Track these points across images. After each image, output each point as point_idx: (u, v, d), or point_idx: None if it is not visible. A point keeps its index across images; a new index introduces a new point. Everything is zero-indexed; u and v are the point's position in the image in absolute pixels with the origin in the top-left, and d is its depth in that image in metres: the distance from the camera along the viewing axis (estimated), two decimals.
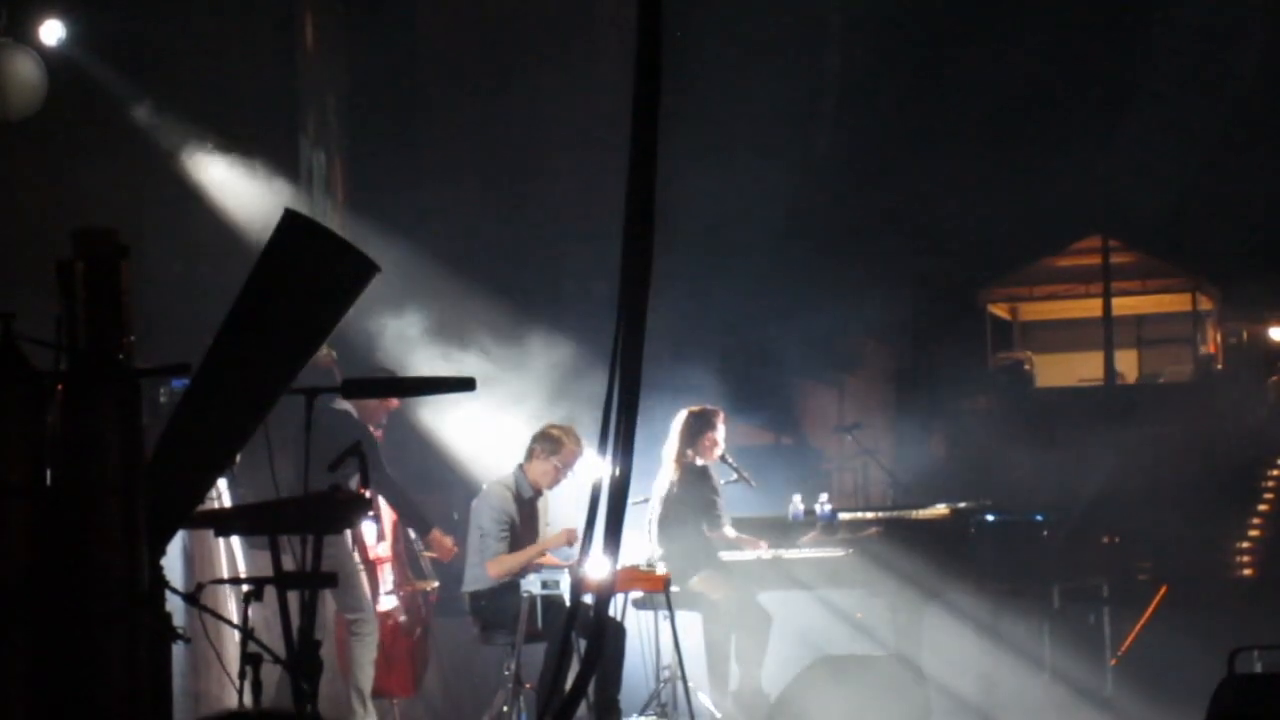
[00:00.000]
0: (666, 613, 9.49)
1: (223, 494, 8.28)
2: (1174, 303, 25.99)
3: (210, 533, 7.79)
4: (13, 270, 10.11)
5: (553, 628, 9.39)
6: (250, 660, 5.63)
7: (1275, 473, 20.02)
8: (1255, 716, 6.51)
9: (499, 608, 9.59)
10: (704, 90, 16.91)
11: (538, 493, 9.94)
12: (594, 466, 4.46)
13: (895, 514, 11.07)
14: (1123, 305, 23.99)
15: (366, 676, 9.80)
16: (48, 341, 4.50)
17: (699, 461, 10.35)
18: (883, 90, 20.69)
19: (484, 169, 16.45)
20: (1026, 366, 23.32)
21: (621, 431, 4.22)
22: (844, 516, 10.76)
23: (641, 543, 10.16)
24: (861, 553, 10.37)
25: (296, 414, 5.83)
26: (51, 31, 11.71)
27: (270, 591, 5.88)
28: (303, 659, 5.68)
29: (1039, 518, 11.77)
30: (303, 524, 5.80)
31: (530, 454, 9.94)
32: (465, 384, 6.06)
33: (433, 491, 11.75)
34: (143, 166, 12.17)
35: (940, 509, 10.93)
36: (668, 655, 9.57)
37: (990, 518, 10.97)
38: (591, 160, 15.66)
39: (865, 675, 9.50)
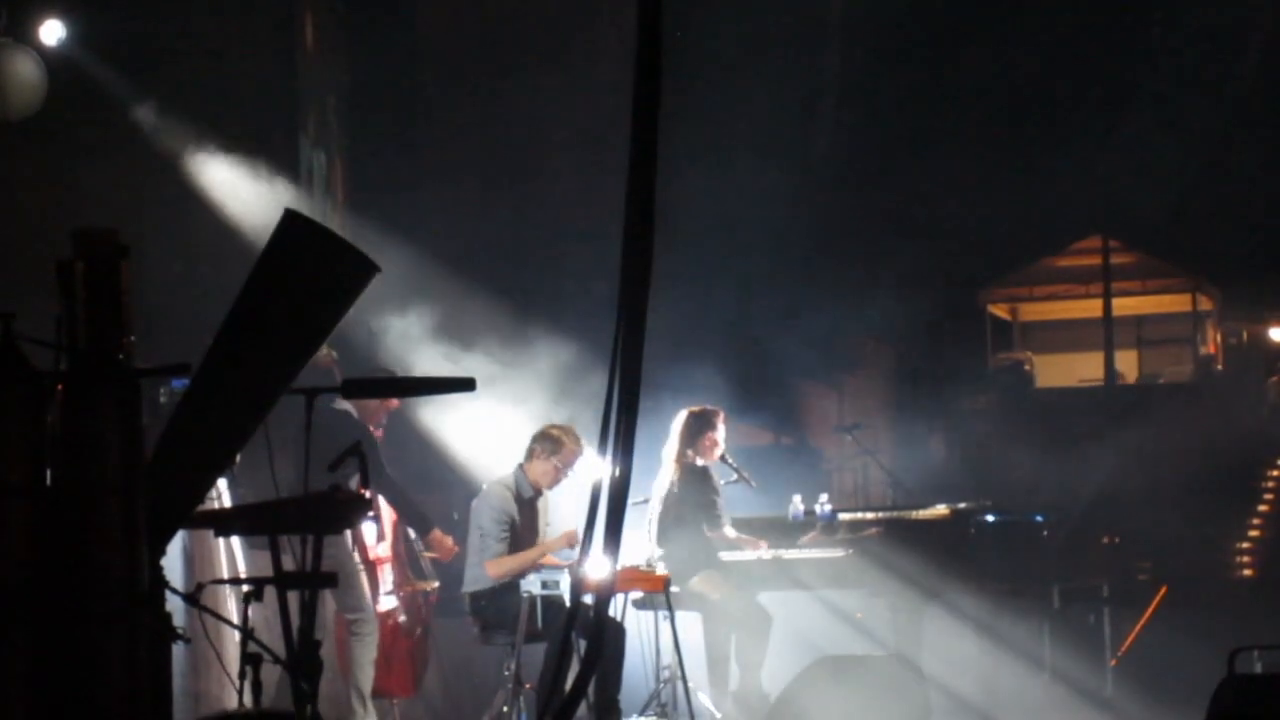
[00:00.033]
0: (666, 613, 9.49)
1: (223, 494, 8.28)
2: (1174, 303, 26.00)
3: (210, 533, 7.79)
4: (13, 270, 10.11)
5: (553, 628, 9.39)
6: (250, 660, 5.62)
7: (1275, 473, 20.02)
8: (1255, 717, 6.51)
9: (499, 608, 9.59)
10: (704, 90, 16.92)
11: (538, 492, 9.94)
12: (594, 466, 4.45)
13: (895, 514, 11.07)
14: (1123, 305, 23.98)
15: (366, 676, 9.81)
16: (48, 341, 4.50)
17: (699, 462, 10.35)
18: (883, 90, 20.69)
19: (484, 169, 16.45)
20: (1026, 367, 23.33)
21: (621, 431, 4.22)
22: (844, 517, 10.76)
23: (641, 543, 10.16)
24: (861, 553, 10.37)
25: (296, 414, 5.82)
26: (51, 31, 11.71)
27: (270, 591, 5.87)
28: (303, 659, 5.68)
29: (1039, 518, 11.78)
30: (303, 524, 5.80)
31: (530, 454, 9.93)
32: (465, 384, 6.06)
33: (433, 491, 11.75)
34: (143, 166, 12.17)
35: (940, 509, 10.93)
36: (668, 655, 9.57)
37: (990, 518, 10.97)
38: (591, 160, 15.67)
39: (865, 675, 9.50)
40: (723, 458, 10.48)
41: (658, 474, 10.34)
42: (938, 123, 21.60)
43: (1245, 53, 21.79)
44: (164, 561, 4.78)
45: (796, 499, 10.78)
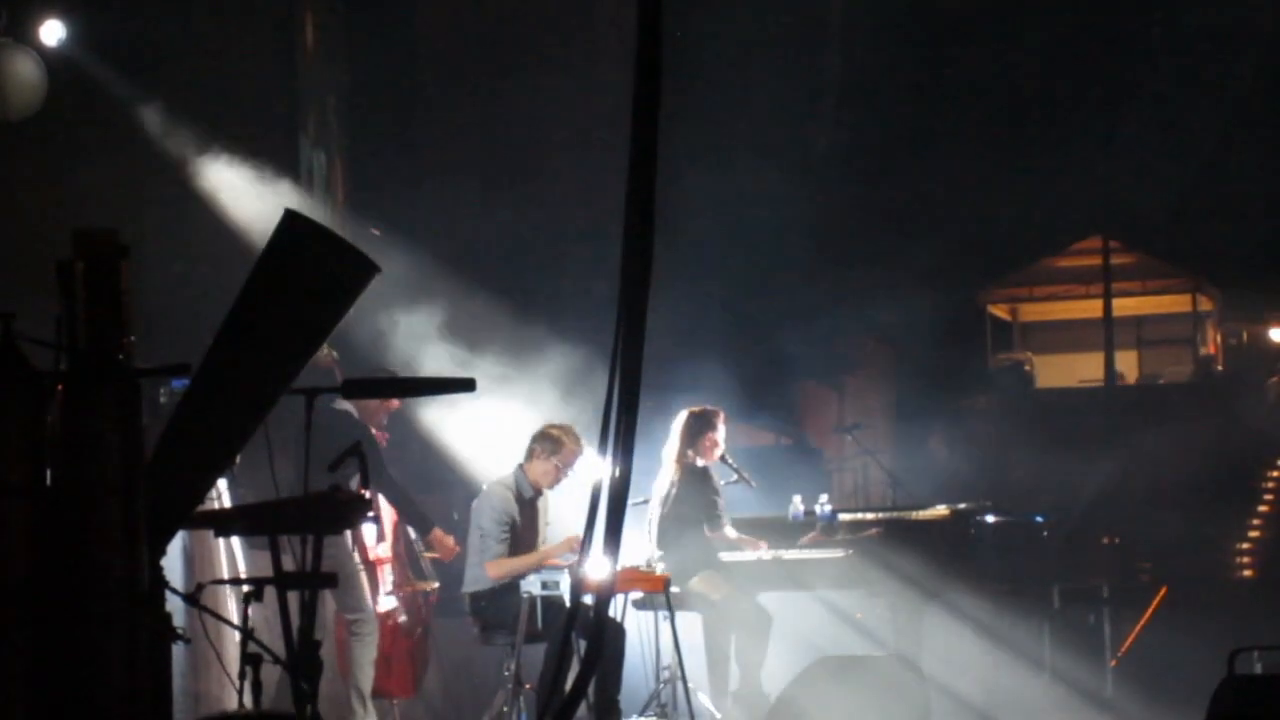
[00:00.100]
0: (666, 613, 9.49)
1: (223, 494, 8.28)
2: (1174, 303, 26.01)
3: (210, 533, 7.79)
4: (13, 270, 10.11)
5: (553, 628, 9.38)
6: (250, 661, 5.62)
7: (1275, 473, 20.02)
8: (1255, 717, 6.51)
9: (499, 608, 9.59)
10: (704, 91, 16.92)
11: (538, 492, 9.93)
12: (594, 466, 4.45)
13: (895, 515, 11.07)
14: (1123, 306, 23.97)
15: (366, 677, 9.80)
16: (48, 341, 4.50)
17: (700, 462, 10.35)
18: (883, 91, 20.70)
19: (484, 169, 16.45)
20: (1027, 367, 23.33)
21: (621, 431, 4.22)
22: (844, 517, 10.76)
23: (642, 543, 10.16)
24: (861, 553, 10.37)
25: (297, 414, 5.82)
26: (51, 32, 11.71)
27: (270, 592, 5.87)
28: (303, 659, 5.68)
29: (1039, 518, 11.77)
30: (303, 524, 5.79)
31: (530, 454, 9.93)
32: (465, 384, 6.06)
33: (433, 491, 11.75)
34: (143, 166, 12.17)
35: (940, 510, 10.93)
36: (668, 656, 9.57)
37: (990, 518, 10.97)
38: (591, 160, 15.67)
39: (865, 676, 9.49)
40: (723, 458, 10.47)
41: (658, 475, 10.34)
42: (938, 123, 21.61)
43: (1245, 53, 21.80)
44: (164, 561, 4.78)
45: (796, 499, 10.77)
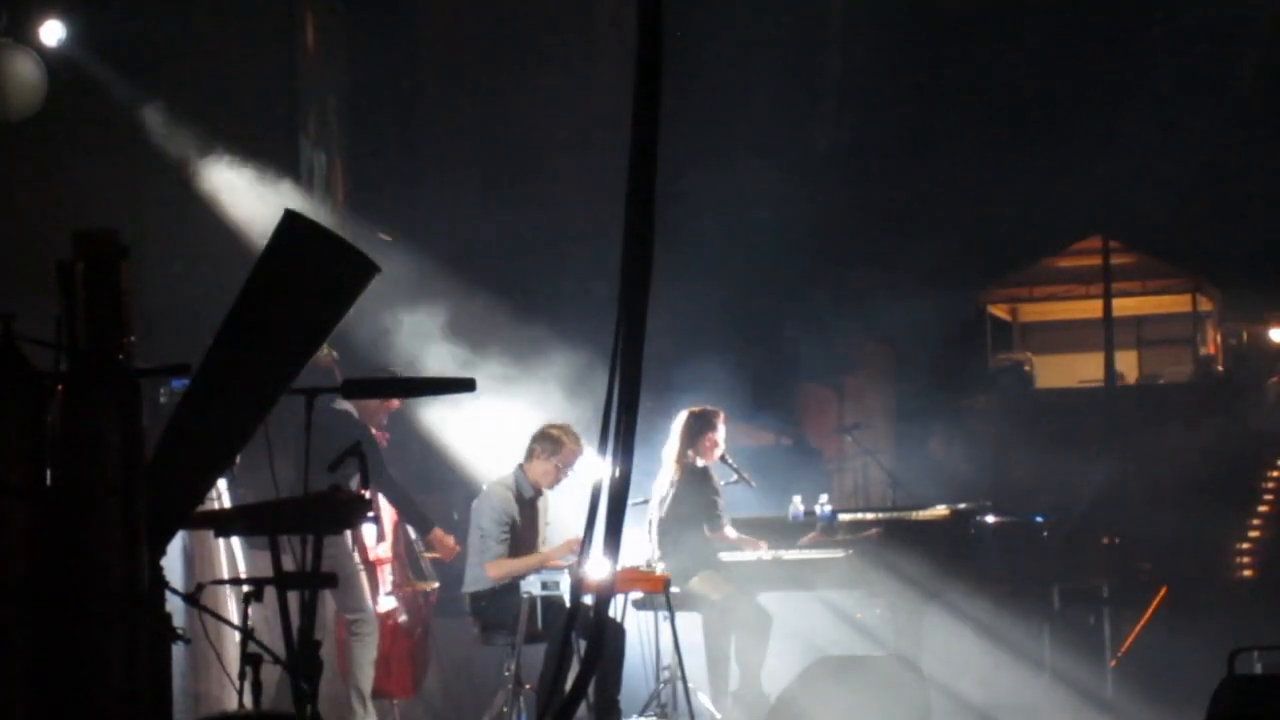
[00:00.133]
0: (666, 613, 9.49)
1: (223, 494, 8.28)
2: (1174, 304, 25.99)
3: (210, 533, 7.79)
4: (13, 270, 10.11)
5: (553, 628, 9.38)
6: (250, 661, 5.62)
7: (1275, 474, 20.01)
8: (1255, 717, 6.51)
9: (499, 608, 9.59)
10: (704, 91, 16.92)
11: (538, 492, 9.93)
12: (594, 467, 4.45)
13: (895, 515, 11.07)
14: (1123, 306, 23.96)
15: (366, 677, 9.80)
16: (48, 342, 4.50)
17: (700, 462, 10.35)
18: (883, 91, 20.70)
19: (484, 169, 16.45)
20: (1026, 367, 23.32)
21: (621, 432, 4.22)
22: (844, 517, 10.76)
23: (642, 543, 10.16)
24: (861, 554, 10.37)
25: (297, 414, 5.82)
26: (52, 32, 11.71)
27: (270, 592, 5.87)
28: (303, 659, 5.68)
29: (1039, 519, 11.77)
30: (303, 524, 5.80)
31: (530, 454, 9.93)
32: (465, 384, 6.06)
33: (433, 491, 11.75)
34: (143, 166, 12.17)
35: (940, 510, 10.93)
36: (668, 656, 9.57)
37: (990, 519, 10.97)
38: (591, 160, 15.67)
39: (865, 676, 9.50)
40: (723, 458, 10.47)
41: (658, 475, 10.34)
42: (938, 123, 21.60)
43: (1245, 53, 21.79)
44: (164, 562, 4.78)
45: (796, 500, 10.78)
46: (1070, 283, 25.16)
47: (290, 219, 5.14)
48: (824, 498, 10.86)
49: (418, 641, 10.46)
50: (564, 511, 10.03)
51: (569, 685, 6.95)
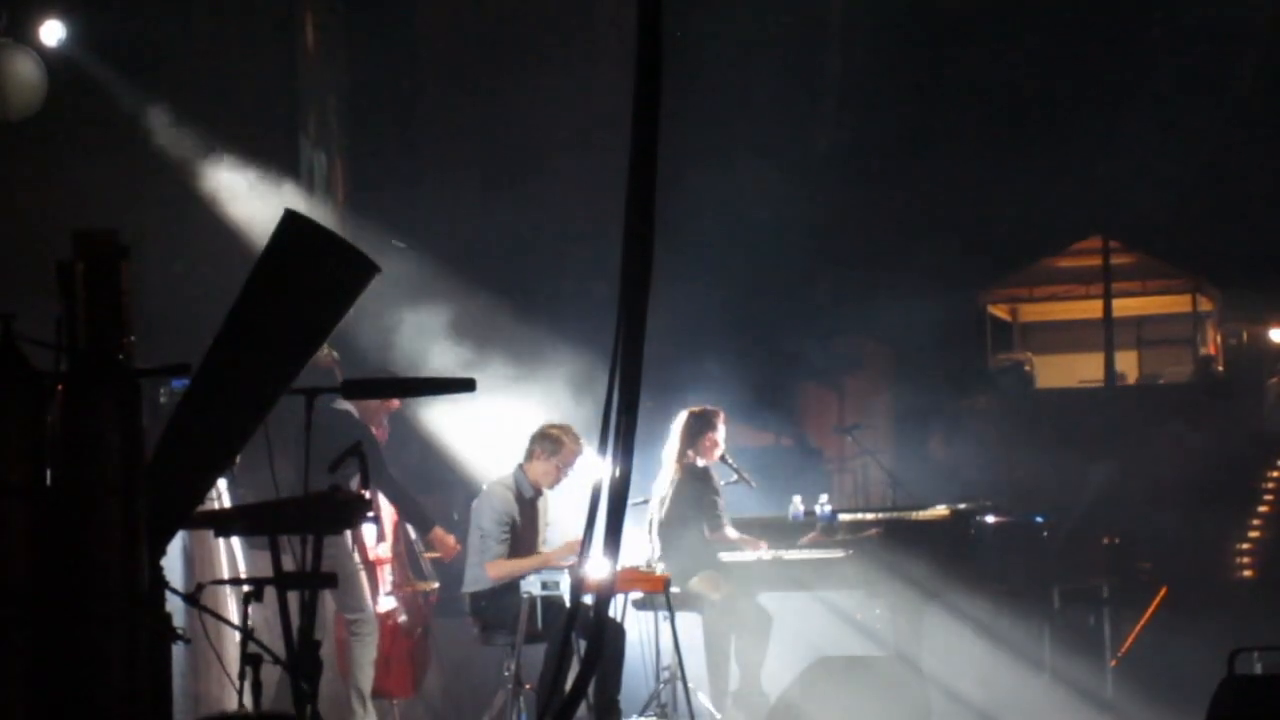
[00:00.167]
0: (666, 613, 9.49)
1: (223, 494, 8.28)
2: (1174, 304, 25.98)
3: (210, 533, 7.79)
4: (13, 270, 10.11)
5: (553, 628, 9.38)
6: (250, 661, 5.62)
7: (1275, 474, 20.00)
8: (1255, 718, 6.51)
9: (499, 608, 9.59)
10: (704, 92, 16.92)
11: (538, 492, 9.93)
12: (594, 467, 4.45)
13: (895, 515, 11.07)
14: (1123, 306, 23.97)
15: (366, 677, 9.80)
16: (48, 342, 4.50)
17: (700, 462, 10.35)
18: (883, 91, 20.69)
19: (484, 169, 16.45)
20: (1027, 368, 23.32)
21: (621, 432, 4.22)
22: (844, 517, 10.76)
23: (642, 543, 10.16)
24: (861, 554, 10.37)
25: (297, 414, 5.82)
26: (52, 32, 11.71)
27: (270, 592, 5.87)
28: (302, 659, 5.68)
29: (1039, 519, 11.77)
30: (303, 524, 5.80)
31: (530, 454, 9.92)
32: (465, 385, 6.06)
33: (433, 491, 11.74)
34: (143, 166, 12.17)
35: (940, 510, 10.93)
36: (668, 656, 9.57)
37: (990, 519, 10.96)
38: (591, 160, 15.67)
39: (865, 676, 9.50)
40: (723, 458, 10.47)
41: (658, 475, 10.34)
42: (938, 123, 21.59)
43: (1245, 53, 21.79)
44: (164, 562, 4.78)
45: (796, 500, 10.77)
46: (1070, 283, 25.15)
47: (290, 219, 5.14)
48: (824, 498, 10.86)
49: (417, 641, 10.46)
50: (564, 512, 10.03)
51: (569, 685, 6.95)
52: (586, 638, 8.21)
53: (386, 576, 10.28)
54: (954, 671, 10.50)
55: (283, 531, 5.90)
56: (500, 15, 17.18)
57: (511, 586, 9.56)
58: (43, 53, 11.62)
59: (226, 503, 8.17)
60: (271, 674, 6.18)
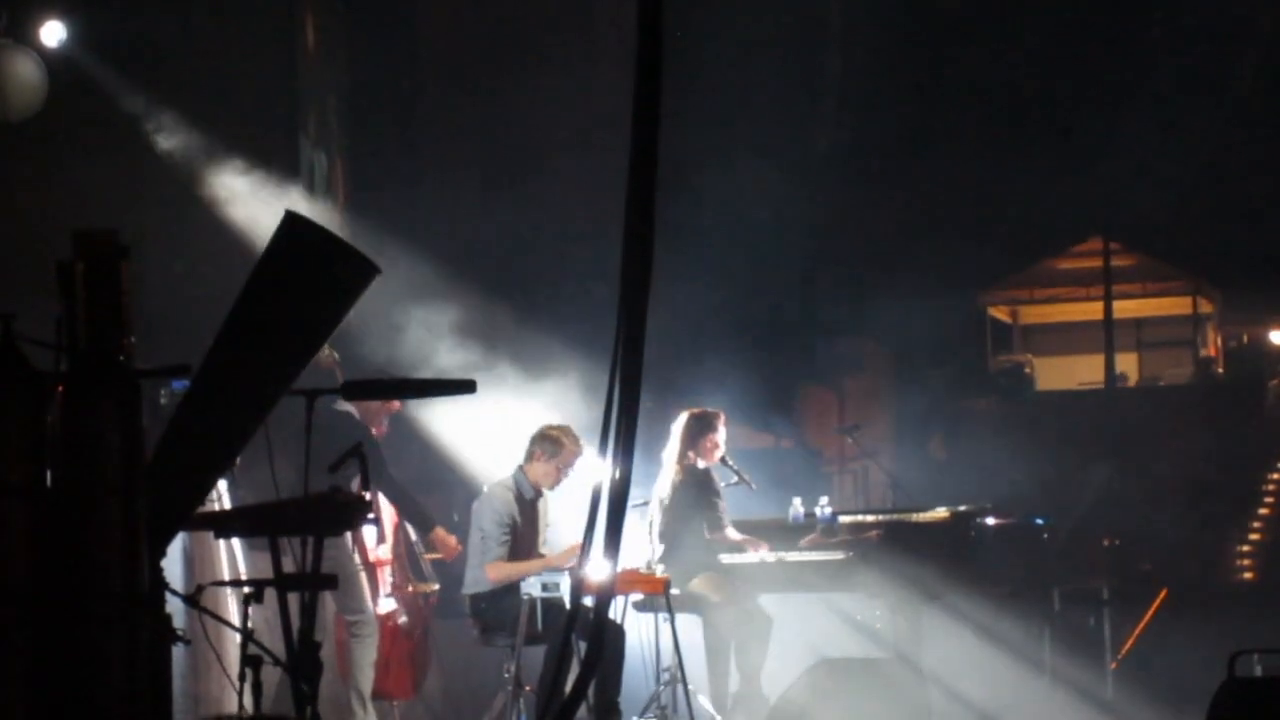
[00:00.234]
0: (667, 615, 9.48)
1: (223, 495, 8.27)
2: (1174, 305, 26.03)
3: (210, 534, 7.77)
4: (13, 270, 10.11)
5: (553, 630, 9.37)
6: (250, 662, 5.62)
7: (1275, 476, 20.03)
8: None
9: (499, 610, 9.58)
10: (705, 91, 16.92)
11: (539, 493, 9.92)
12: (595, 468, 4.45)
13: (895, 517, 11.06)
14: (1123, 308, 24.00)
15: (366, 678, 9.80)
16: (48, 342, 4.49)
17: (700, 464, 10.34)
18: (883, 91, 20.71)
19: (484, 169, 16.45)
20: (1027, 369, 23.34)
21: (622, 433, 4.21)
22: (844, 519, 10.74)
23: (642, 545, 10.14)
24: (862, 555, 10.35)
25: (297, 415, 5.81)
26: (52, 33, 11.70)
27: (270, 593, 5.87)
28: (303, 661, 5.67)
29: (1039, 520, 11.76)
30: (303, 526, 5.79)
31: (530, 456, 9.91)
32: (465, 386, 6.05)
33: (433, 492, 11.73)
34: (143, 166, 12.16)
35: (940, 512, 10.92)
36: (668, 657, 9.55)
37: (990, 520, 10.95)
38: (591, 160, 15.67)
39: (865, 678, 9.49)
40: (723, 460, 10.46)
41: (658, 476, 10.33)
42: (938, 123, 21.61)
43: (1245, 53, 21.81)
44: (164, 563, 4.77)
45: (796, 501, 10.76)
46: (1070, 284, 25.18)
47: (290, 220, 5.14)
48: (824, 499, 10.85)
49: (418, 643, 10.45)
50: (563, 513, 10.02)
51: (569, 687, 6.94)
52: (587, 639, 8.19)
53: (387, 578, 10.27)
54: (954, 673, 10.49)
55: (283, 533, 5.90)
56: (500, 15, 17.19)
57: (511, 588, 9.55)
58: (43, 53, 11.62)
59: (227, 504, 8.15)
60: (271, 675, 6.17)
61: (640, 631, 9.77)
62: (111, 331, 4.49)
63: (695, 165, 16.18)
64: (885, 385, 22.08)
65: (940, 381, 21.22)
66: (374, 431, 10.00)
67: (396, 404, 10.35)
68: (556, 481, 9.91)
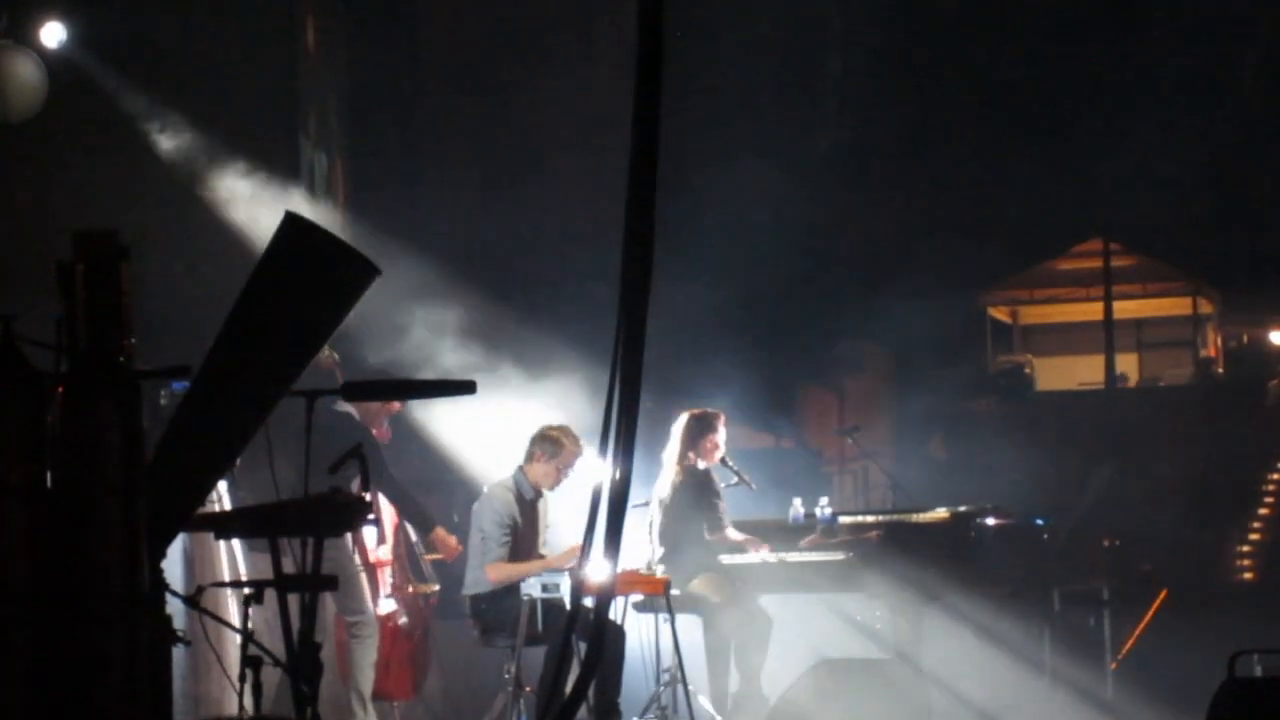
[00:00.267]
0: (667, 615, 9.48)
1: (223, 496, 8.27)
2: (1174, 306, 26.02)
3: (210, 535, 7.77)
4: (13, 270, 10.11)
5: (553, 631, 9.37)
6: (250, 663, 5.61)
7: (1275, 476, 20.03)
8: None
9: (499, 611, 9.57)
10: (705, 93, 16.93)
11: (539, 494, 9.92)
12: (595, 469, 4.45)
13: (895, 517, 11.06)
14: (1123, 308, 24.00)
15: (367, 679, 9.79)
16: (48, 343, 4.49)
17: (700, 464, 10.34)
18: (884, 91, 20.71)
19: (484, 169, 16.46)
20: (1027, 370, 23.34)
21: (622, 434, 4.21)
22: (844, 520, 10.74)
23: (642, 546, 10.14)
24: (862, 556, 10.35)
25: (297, 416, 5.81)
26: (52, 33, 11.70)
27: (270, 594, 5.86)
28: (303, 662, 5.67)
29: (1039, 521, 11.76)
30: (303, 527, 5.79)
31: (530, 456, 9.91)
32: (465, 387, 6.05)
33: (433, 493, 11.73)
34: (143, 166, 12.16)
35: (940, 512, 10.92)
36: (668, 658, 9.55)
37: (990, 521, 10.95)
38: (591, 160, 15.67)
39: (865, 678, 9.49)
40: (723, 460, 10.45)
41: (658, 477, 10.33)
42: (938, 123, 21.61)
43: (1245, 53, 21.81)
44: (164, 564, 4.77)
45: (797, 502, 10.76)
46: (1071, 285, 25.18)
47: (290, 221, 5.14)
48: (824, 500, 10.85)
49: (418, 644, 10.45)
50: (563, 513, 10.02)
51: (569, 688, 6.94)
52: (587, 640, 8.19)
53: (387, 579, 10.27)
54: (954, 673, 10.49)
55: (283, 533, 5.90)
56: (500, 16, 17.20)
57: (512, 589, 9.54)
58: (43, 54, 11.62)
59: (227, 505, 8.16)
60: (272, 676, 6.17)
61: (640, 632, 9.76)
62: (111, 332, 4.49)
63: (695, 165, 16.18)
64: (885, 386, 22.08)
65: (940, 382, 21.22)
66: (375, 433, 10.00)
67: (396, 405, 10.35)
68: (556, 482, 9.91)
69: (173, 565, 7.04)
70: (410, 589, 10.41)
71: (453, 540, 10.28)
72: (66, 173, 11.83)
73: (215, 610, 6.19)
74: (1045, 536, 11.82)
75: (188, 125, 12.25)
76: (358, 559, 9.79)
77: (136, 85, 12.21)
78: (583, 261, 14.59)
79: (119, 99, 12.12)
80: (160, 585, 4.67)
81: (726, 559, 10.32)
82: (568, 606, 9.17)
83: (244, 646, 5.67)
